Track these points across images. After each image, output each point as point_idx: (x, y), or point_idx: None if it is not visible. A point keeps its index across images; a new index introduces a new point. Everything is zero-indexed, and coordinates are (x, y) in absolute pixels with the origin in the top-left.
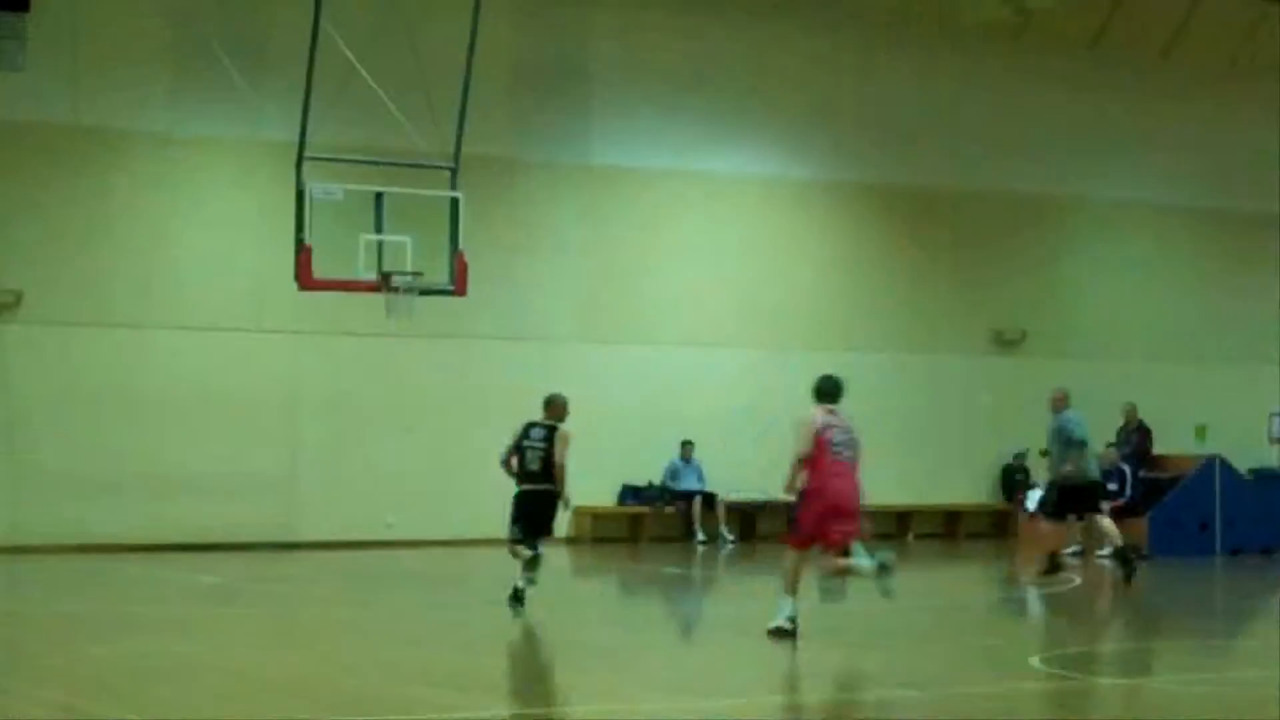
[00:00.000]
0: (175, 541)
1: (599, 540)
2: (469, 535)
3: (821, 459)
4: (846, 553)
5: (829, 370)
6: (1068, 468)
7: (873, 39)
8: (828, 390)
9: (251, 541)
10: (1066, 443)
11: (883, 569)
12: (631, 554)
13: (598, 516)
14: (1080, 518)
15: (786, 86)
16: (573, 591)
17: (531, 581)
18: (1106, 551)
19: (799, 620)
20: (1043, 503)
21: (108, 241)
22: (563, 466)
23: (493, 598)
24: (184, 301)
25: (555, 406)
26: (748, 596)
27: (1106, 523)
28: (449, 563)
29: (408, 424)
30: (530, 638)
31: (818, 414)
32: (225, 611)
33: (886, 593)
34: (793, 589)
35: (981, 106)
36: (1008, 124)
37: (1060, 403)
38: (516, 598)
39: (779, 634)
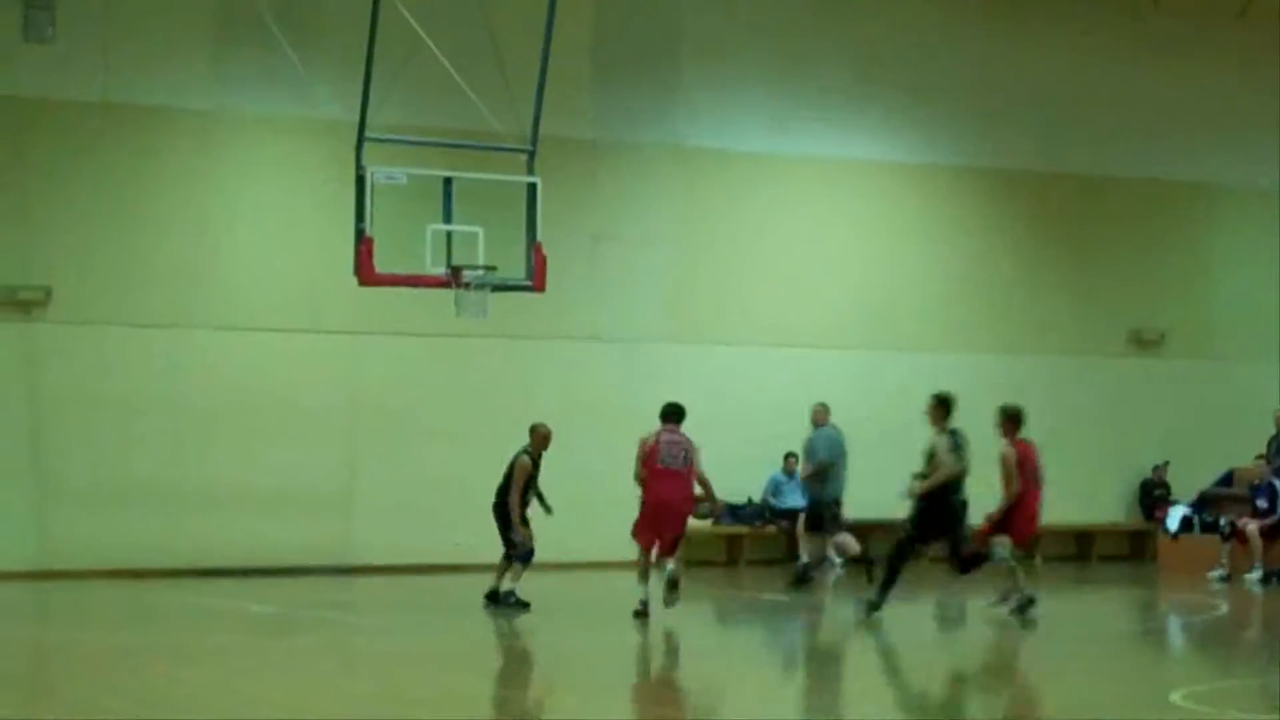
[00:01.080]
0: (220, 565)
1: (692, 564)
2: (549, 559)
3: (653, 468)
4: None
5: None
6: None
7: (995, 10)
8: (668, 413)
9: (305, 565)
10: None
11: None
12: (729, 579)
13: (690, 538)
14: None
15: (899, 61)
16: (659, 621)
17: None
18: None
19: (649, 603)
20: (818, 519)
21: (145, 232)
22: (507, 501)
23: (575, 625)
24: (230, 299)
25: (533, 435)
26: (853, 625)
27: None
28: (525, 588)
29: (479, 435)
30: (606, 671)
31: (651, 436)
32: (275, 642)
33: (669, 603)
34: (644, 577)
35: (1115, 82)
36: (1144, 102)
37: (821, 417)
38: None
39: (636, 615)
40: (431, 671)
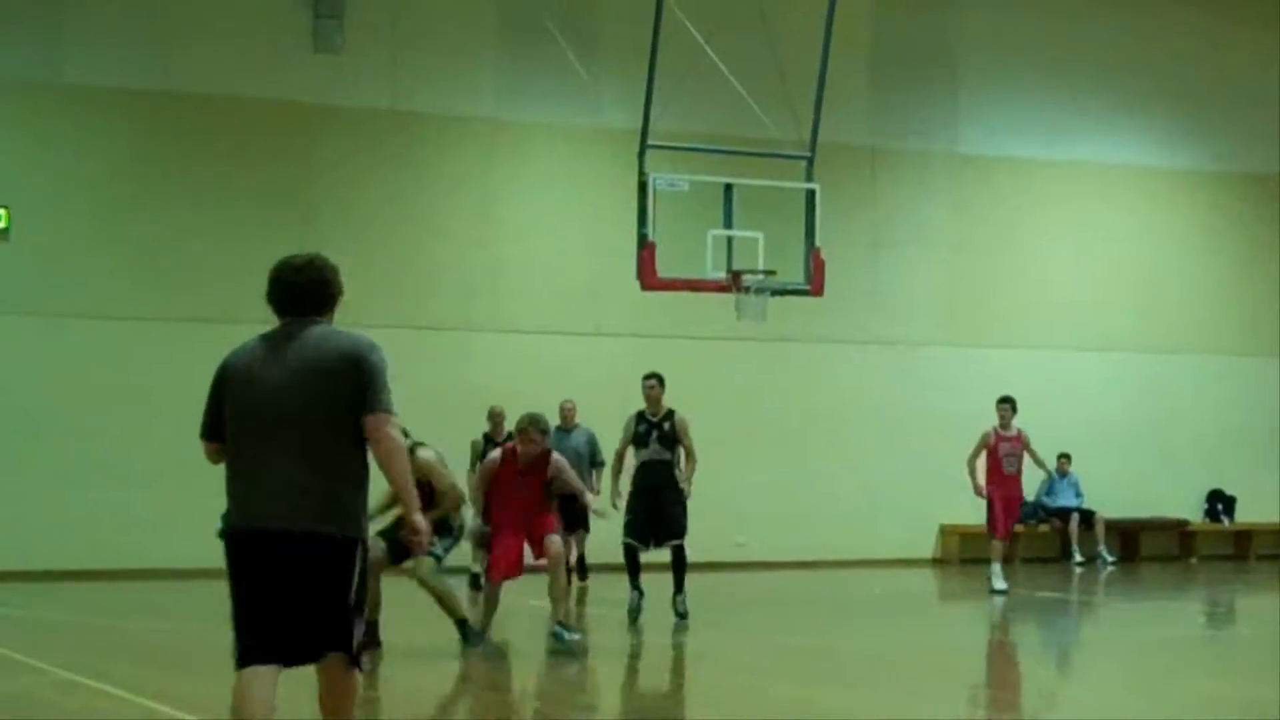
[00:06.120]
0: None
1: (967, 561)
2: (825, 556)
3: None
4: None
5: None
6: None
7: (1272, 15)
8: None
9: (602, 562)
10: None
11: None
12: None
13: (965, 536)
14: None
15: (1175, 66)
16: (942, 616)
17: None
18: None
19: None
20: None
21: (429, 237)
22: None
23: (849, 622)
24: (511, 302)
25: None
26: (1119, 623)
27: None
28: (804, 586)
29: (757, 435)
30: (886, 668)
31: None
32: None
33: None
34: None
35: None
36: None
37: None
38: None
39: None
40: (712, 667)
